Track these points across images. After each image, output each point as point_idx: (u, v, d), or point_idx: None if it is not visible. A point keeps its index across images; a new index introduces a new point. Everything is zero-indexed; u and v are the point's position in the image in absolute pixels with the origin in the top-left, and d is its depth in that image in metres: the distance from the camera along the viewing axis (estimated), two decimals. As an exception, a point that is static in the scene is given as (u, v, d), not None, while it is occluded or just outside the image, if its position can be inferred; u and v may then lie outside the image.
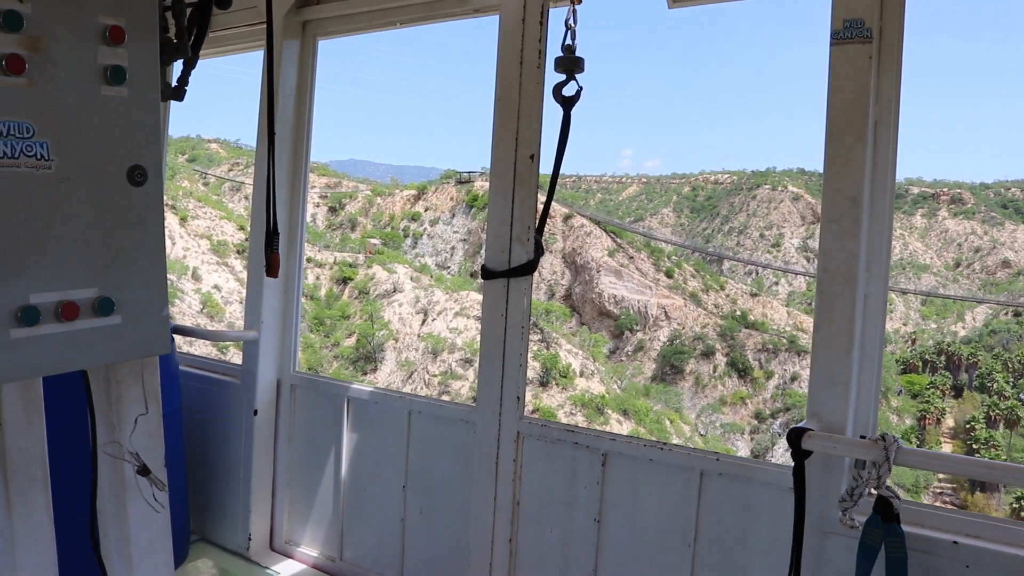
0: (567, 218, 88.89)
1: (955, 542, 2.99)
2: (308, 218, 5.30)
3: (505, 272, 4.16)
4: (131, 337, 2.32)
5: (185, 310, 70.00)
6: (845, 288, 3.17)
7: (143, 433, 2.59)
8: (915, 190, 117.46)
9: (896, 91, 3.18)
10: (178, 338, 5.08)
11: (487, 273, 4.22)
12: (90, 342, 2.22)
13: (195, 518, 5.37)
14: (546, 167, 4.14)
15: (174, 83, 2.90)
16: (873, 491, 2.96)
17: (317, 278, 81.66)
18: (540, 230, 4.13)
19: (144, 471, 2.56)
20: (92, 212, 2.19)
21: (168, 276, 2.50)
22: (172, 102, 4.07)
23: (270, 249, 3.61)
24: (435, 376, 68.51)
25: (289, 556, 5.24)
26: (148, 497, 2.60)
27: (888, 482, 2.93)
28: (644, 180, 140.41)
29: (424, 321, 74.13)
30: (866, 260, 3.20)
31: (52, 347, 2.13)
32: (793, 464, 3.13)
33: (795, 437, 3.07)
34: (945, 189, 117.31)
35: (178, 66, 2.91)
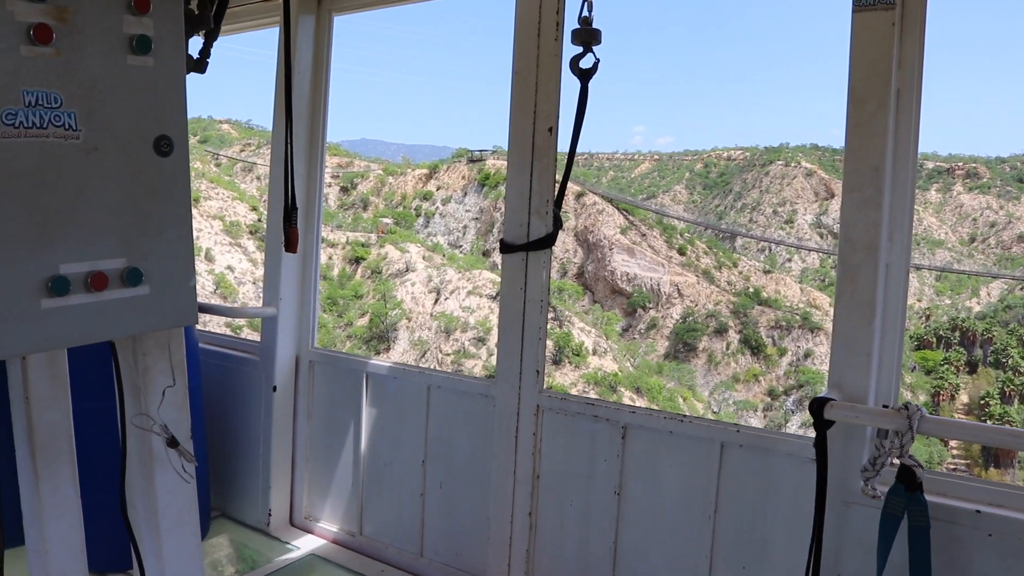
0: (579, 196, 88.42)
1: (978, 511, 2.99)
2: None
3: (524, 245, 4.15)
4: (159, 308, 2.34)
5: (199, 291, 70.07)
6: (867, 258, 3.16)
7: (170, 405, 2.61)
8: (930, 164, 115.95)
9: (919, 59, 3.14)
10: (196, 316, 5.10)
11: (506, 247, 4.21)
12: (119, 312, 2.24)
13: (215, 494, 5.42)
14: (563, 142, 4.11)
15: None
16: (896, 460, 2.96)
17: (330, 258, 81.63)
18: (559, 203, 4.11)
19: (173, 443, 2.58)
20: (120, 182, 2.21)
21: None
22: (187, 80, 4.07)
23: (289, 224, 3.61)
24: (448, 355, 68.61)
25: (309, 531, 5.29)
26: (177, 468, 2.63)
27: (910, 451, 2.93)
28: (656, 157, 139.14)
29: (437, 300, 74.15)
30: (888, 230, 3.18)
31: (81, 317, 2.16)
32: (815, 434, 3.14)
33: (817, 407, 3.06)
34: (960, 163, 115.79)
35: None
